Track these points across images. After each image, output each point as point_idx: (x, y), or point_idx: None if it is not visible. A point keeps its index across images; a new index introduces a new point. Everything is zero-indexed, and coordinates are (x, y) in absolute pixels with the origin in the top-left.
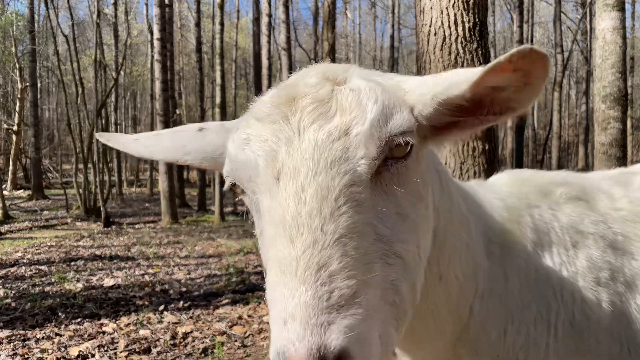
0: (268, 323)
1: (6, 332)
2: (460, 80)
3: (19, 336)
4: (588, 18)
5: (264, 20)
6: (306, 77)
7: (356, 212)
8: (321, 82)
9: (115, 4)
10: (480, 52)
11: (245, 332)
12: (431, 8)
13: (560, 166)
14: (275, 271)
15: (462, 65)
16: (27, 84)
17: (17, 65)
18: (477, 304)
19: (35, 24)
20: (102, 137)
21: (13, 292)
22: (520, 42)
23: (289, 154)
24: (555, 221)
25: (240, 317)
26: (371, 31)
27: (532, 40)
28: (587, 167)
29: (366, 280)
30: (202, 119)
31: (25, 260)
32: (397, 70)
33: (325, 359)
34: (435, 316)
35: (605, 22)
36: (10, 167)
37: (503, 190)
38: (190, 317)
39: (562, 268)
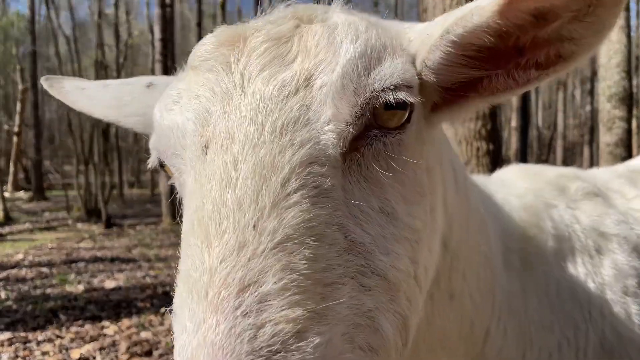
0: None
1: (7, 335)
2: (483, 3)
3: (20, 338)
4: None
5: None
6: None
7: (315, 205)
8: (285, 17)
9: (116, 4)
10: None
11: None
12: (434, 7)
13: (564, 166)
14: (181, 289)
15: None
16: (28, 85)
17: (17, 67)
18: (494, 325)
19: (36, 25)
20: (47, 82)
21: (14, 294)
22: None
23: (224, 115)
24: (576, 223)
25: None
26: None
27: None
28: (593, 168)
29: (323, 312)
30: None
31: (26, 262)
32: None
33: None
34: (444, 344)
35: None
36: (11, 169)
37: (518, 187)
38: None
39: (587, 279)
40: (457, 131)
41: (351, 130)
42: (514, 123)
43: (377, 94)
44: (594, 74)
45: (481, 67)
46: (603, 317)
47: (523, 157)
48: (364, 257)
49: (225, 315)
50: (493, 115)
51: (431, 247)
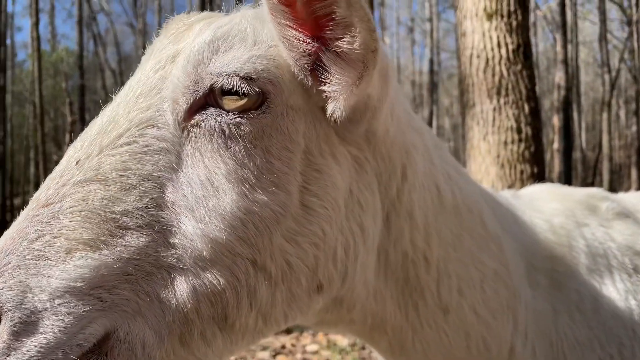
0: (312, 353)
1: None
2: None
3: None
4: (635, 36)
5: None
6: None
7: (137, 160)
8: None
9: None
10: (525, 73)
11: None
12: (473, 31)
13: (612, 189)
14: None
15: (507, 87)
16: (77, 117)
17: (67, 100)
18: (519, 344)
19: (84, 60)
20: None
21: None
22: (565, 62)
23: (127, 83)
24: (611, 241)
25: (283, 347)
26: (409, 55)
27: (577, 60)
28: None
29: (102, 244)
30: None
31: None
32: (437, 95)
33: None
34: (447, 356)
35: None
36: None
37: (547, 208)
38: None
39: (628, 297)
40: (499, 153)
41: (184, 101)
42: (556, 145)
43: (211, 76)
44: (638, 93)
45: (302, 40)
46: None
47: (567, 180)
48: (176, 217)
49: (25, 218)
50: (537, 137)
51: (327, 249)
